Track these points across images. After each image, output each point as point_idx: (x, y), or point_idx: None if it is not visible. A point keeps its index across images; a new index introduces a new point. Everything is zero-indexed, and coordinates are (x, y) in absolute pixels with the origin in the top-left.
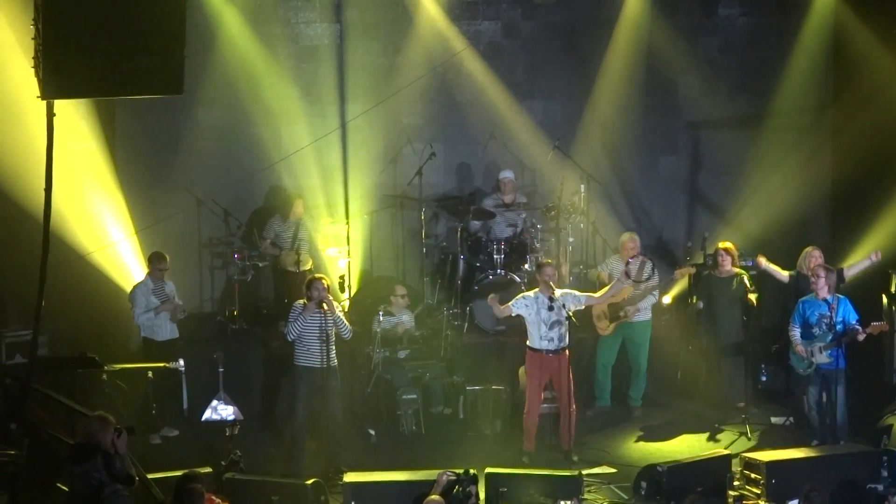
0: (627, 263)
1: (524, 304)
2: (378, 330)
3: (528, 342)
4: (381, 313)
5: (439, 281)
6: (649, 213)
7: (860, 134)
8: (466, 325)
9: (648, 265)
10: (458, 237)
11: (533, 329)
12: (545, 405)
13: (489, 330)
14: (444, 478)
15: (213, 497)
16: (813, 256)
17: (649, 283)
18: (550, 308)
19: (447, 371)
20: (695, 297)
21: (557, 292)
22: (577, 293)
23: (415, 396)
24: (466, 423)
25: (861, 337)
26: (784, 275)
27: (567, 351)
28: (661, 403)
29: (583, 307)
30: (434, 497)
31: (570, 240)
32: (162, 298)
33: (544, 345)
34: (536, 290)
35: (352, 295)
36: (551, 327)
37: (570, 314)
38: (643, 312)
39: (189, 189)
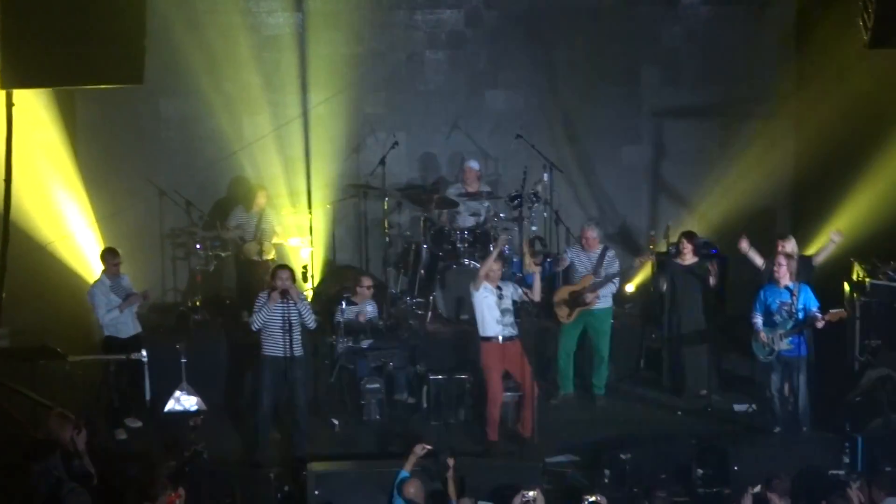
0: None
1: (484, 286)
2: (341, 320)
3: (481, 333)
4: (344, 303)
5: (402, 270)
6: (612, 201)
7: (823, 121)
8: (430, 314)
9: (610, 254)
10: (421, 227)
11: (488, 315)
12: (508, 394)
13: (452, 319)
14: (421, 449)
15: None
16: (784, 244)
17: (609, 272)
18: (500, 296)
19: (411, 360)
20: (659, 285)
21: (504, 283)
22: (516, 286)
23: (378, 386)
24: (430, 413)
25: (820, 324)
26: (761, 261)
27: (519, 341)
28: (624, 391)
29: (523, 298)
30: (411, 486)
31: (534, 228)
32: (121, 295)
33: (499, 331)
34: (484, 282)
35: (315, 285)
36: (503, 314)
37: (525, 294)
38: (604, 300)
39: (151, 179)
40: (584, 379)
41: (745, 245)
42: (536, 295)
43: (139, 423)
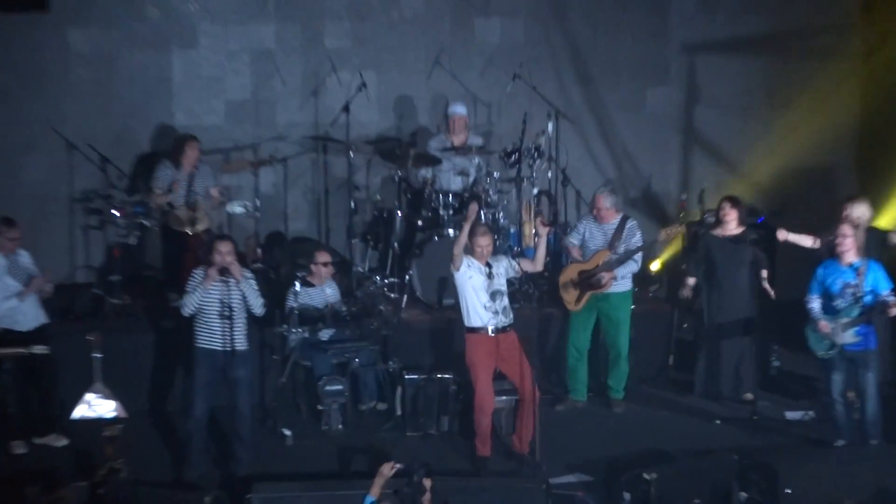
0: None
1: (466, 264)
2: (295, 305)
3: (466, 323)
4: (298, 284)
5: (371, 243)
6: (634, 158)
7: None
8: (405, 298)
9: (630, 224)
10: (395, 189)
11: (472, 300)
12: (502, 398)
13: (433, 304)
14: (389, 469)
15: None
16: (851, 208)
17: (629, 247)
18: (489, 276)
19: (381, 356)
20: (691, 263)
21: (494, 259)
22: (511, 260)
23: (341, 388)
24: (405, 421)
25: (894, 311)
26: (811, 241)
27: (513, 331)
28: (649, 395)
29: (519, 274)
30: None
31: (535, 191)
32: (20, 277)
33: (488, 319)
34: (469, 256)
35: (262, 261)
36: (493, 297)
37: (520, 267)
38: (622, 282)
39: (56, 129)
40: (599, 380)
41: (784, 234)
42: (540, 263)
43: (64, 441)
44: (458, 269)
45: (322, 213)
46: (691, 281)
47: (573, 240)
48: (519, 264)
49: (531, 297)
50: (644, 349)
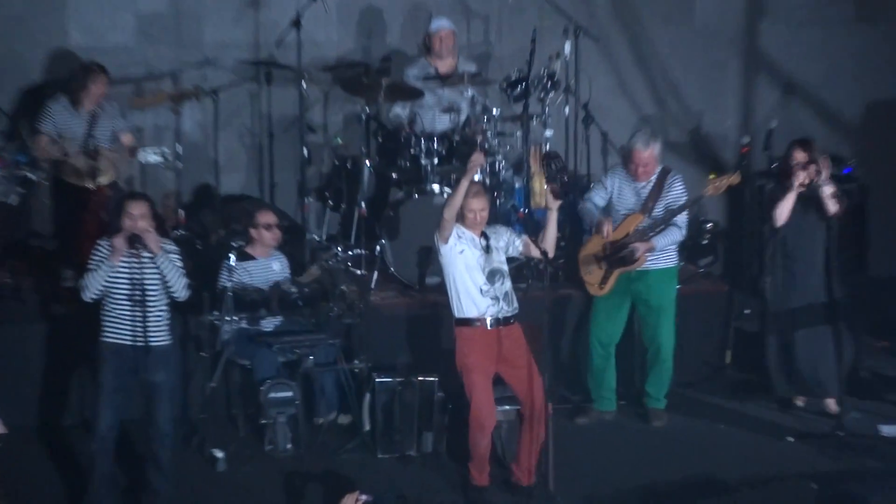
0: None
1: (457, 235)
2: (229, 285)
3: (456, 312)
4: (233, 257)
5: (331, 203)
6: (679, 88)
7: None
8: (376, 275)
9: (672, 179)
10: (362, 131)
11: (464, 282)
12: (504, 408)
13: (412, 284)
14: (353, 500)
15: None
16: None
17: (671, 207)
18: (486, 249)
19: (344, 353)
20: (757, 228)
21: (491, 231)
22: (513, 233)
23: (290, 395)
24: (376, 439)
25: None
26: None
27: (518, 323)
28: (698, 404)
29: (521, 255)
30: None
31: (548, 134)
32: None
33: (486, 307)
34: (456, 229)
35: (186, 227)
36: (490, 278)
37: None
38: (663, 255)
39: None
40: (632, 384)
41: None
42: (550, 244)
43: None
44: (445, 241)
45: (265, 164)
46: (764, 231)
47: (597, 199)
48: (524, 245)
49: (542, 276)
50: (693, 343)
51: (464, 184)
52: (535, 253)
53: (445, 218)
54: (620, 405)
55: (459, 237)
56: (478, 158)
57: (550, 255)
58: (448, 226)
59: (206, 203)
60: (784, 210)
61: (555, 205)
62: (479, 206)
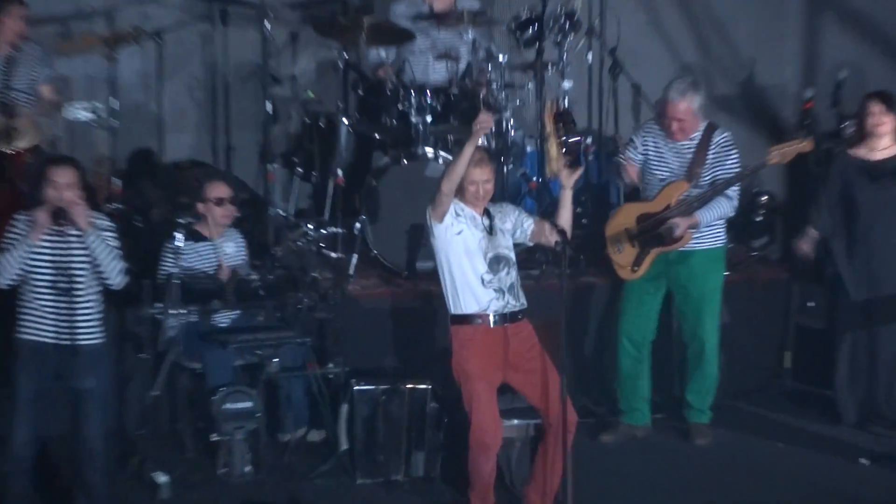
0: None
1: (454, 212)
2: (175, 271)
3: (451, 308)
4: (179, 237)
5: (300, 171)
6: (728, 30)
7: None
8: (355, 259)
9: (721, 138)
10: (339, 82)
11: (462, 270)
12: (513, 422)
13: (398, 269)
14: None
15: None
16: None
17: (719, 175)
18: (489, 231)
19: (316, 354)
20: (819, 203)
21: (495, 209)
22: (522, 213)
23: (250, 406)
24: (355, 461)
25: None
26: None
27: (527, 319)
28: (751, 418)
29: (529, 241)
30: None
31: (566, 87)
32: None
33: (488, 301)
34: (454, 206)
35: (122, 200)
36: (494, 266)
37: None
38: (709, 233)
39: None
40: (670, 393)
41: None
42: (566, 220)
43: None
44: (440, 220)
45: (220, 122)
46: (814, 232)
47: (629, 152)
48: (536, 228)
49: (558, 258)
50: (743, 343)
51: (467, 151)
52: (550, 239)
53: (442, 191)
54: (655, 419)
55: (457, 215)
56: (486, 119)
57: (567, 235)
58: (445, 201)
59: (148, 171)
60: None
61: (569, 180)
62: (482, 177)
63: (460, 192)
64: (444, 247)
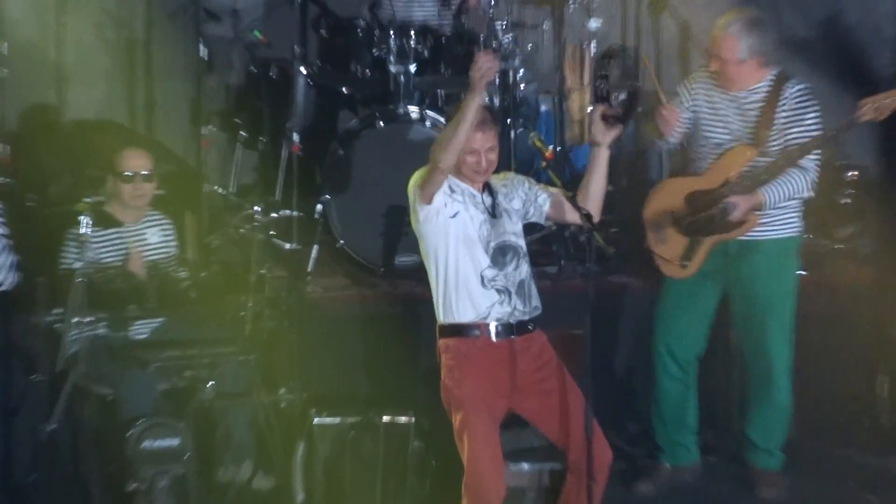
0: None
1: (448, 189)
2: (79, 265)
3: (441, 315)
4: (85, 221)
5: (244, 136)
6: None
7: None
8: (316, 252)
9: (794, 91)
10: (294, 19)
11: (456, 265)
12: (522, 466)
13: (373, 265)
14: None
15: None
16: None
17: (793, 138)
18: (492, 213)
19: (263, 376)
20: None
21: (499, 183)
22: (534, 185)
23: (176, 443)
24: None
25: None
26: None
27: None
28: (834, 463)
29: (548, 221)
30: None
31: (592, 27)
32: None
33: (489, 307)
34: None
35: (11, 171)
36: (498, 258)
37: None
38: (779, 219)
39: None
40: (727, 428)
41: None
42: (594, 202)
43: None
44: (429, 200)
45: (139, 71)
46: None
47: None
48: (554, 204)
49: (582, 250)
50: (824, 364)
51: (469, 109)
52: (572, 217)
53: (438, 166)
54: (707, 462)
55: (452, 193)
56: (488, 64)
57: (596, 218)
58: (439, 178)
59: (45, 134)
60: None
61: (606, 137)
62: (484, 144)
63: (455, 164)
64: (432, 234)
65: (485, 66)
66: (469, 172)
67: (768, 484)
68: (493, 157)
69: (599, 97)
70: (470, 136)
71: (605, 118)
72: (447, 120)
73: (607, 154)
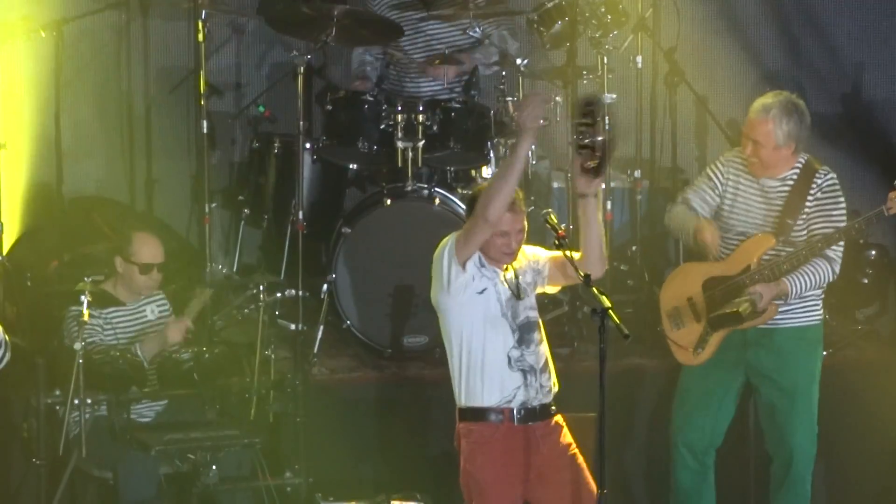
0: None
1: (478, 262)
2: (79, 346)
3: (461, 399)
4: (85, 301)
5: (247, 213)
6: (825, 27)
7: None
8: (320, 332)
9: (824, 180)
10: (299, 94)
11: (482, 345)
12: None
13: (381, 349)
14: None
15: None
16: None
17: (816, 227)
18: (518, 294)
19: (268, 460)
20: None
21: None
22: (531, 251)
23: None
24: None
25: None
26: None
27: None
28: None
29: (548, 286)
30: None
31: (608, 100)
32: None
33: (513, 390)
34: (478, 254)
35: (7, 252)
36: (525, 338)
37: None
38: (802, 306)
39: None
40: None
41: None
42: (594, 256)
43: None
44: (463, 266)
45: (138, 146)
46: None
47: (696, 202)
48: (552, 265)
49: (587, 328)
50: (848, 451)
51: (521, 152)
52: (572, 277)
53: (486, 215)
54: None
55: (482, 266)
56: (535, 104)
57: (601, 270)
58: (485, 229)
59: (41, 208)
60: None
61: (590, 187)
62: (515, 225)
63: (483, 246)
64: (457, 310)
65: (533, 107)
66: (497, 254)
67: None
68: (522, 238)
69: (581, 146)
70: (504, 219)
71: (584, 170)
72: (460, 198)
73: (595, 202)
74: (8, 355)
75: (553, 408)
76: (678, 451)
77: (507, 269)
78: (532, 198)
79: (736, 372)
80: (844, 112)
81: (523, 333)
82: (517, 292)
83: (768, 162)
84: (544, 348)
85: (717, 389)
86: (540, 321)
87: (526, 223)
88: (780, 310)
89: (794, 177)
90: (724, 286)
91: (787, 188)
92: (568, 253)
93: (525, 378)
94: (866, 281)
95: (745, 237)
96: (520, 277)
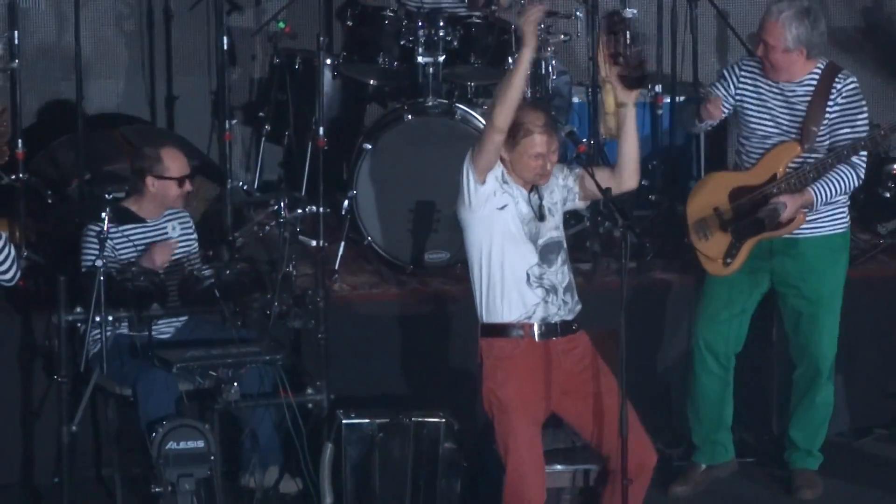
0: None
1: (500, 178)
2: (100, 263)
3: (483, 315)
4: (105, 217)
5: (268, 129)
6: None
7: None
8: (342, 248)
9: (845, 85)
10: (319, 9)
11: (501, 261)
12: (557, 467)
13: (403, 263)
14: None
15: None
16: None
17: (841, 135)
18: (540, 216)
19: (290, 377)
20: None
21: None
22: (563, 169)
23: (201, 446)
24: None
25: None
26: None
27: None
28: (876, 465)
29: (582, 200)
30: None
31: (629, 15)
32: None
33: (534, 306)
34: (502, 170)
35: (27, 166)
36: (547, 256)
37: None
38: (828, 215)
39: None
40: (766, 428)
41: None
42: (629, 170)
43: None
44: (482, 178)
45: (159, 63)
46: None
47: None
48: (583, 177)
49: (616, 244)
50: (866, 361)
51: (523, 58)
52: (606, 186)
53: (494, 122)
54: (744, 463)
55: (504, 183)
56: (534, 9)
57: (635, 183)
58: (496, 137)
59: (60, 127)
60: None
61: (630, 96)
62: (548, 147)
63: (514, 165)
64: (479, 225)
65: (533, 12)
66: (533, 176)
67: (808, 485)
68: (556, 159)
69: (615, 56)
70: (535, 139)
71: (622, 79)
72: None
73: (633, 112)
74: (18, 272)
75: (575, 325)
76: (701, 354)
77: (532, 189)
78: (553, 112)
79: (761, 279)
80: (865, 25)
81: (546, 253)
82: (539, 213)
83: (779, 65)
84: (568, 269)
85: (739, 296)
86: (565, 243)
87: (558, 144)
88: (807, 218)
89: (814, 82)
90: (751, 196)
91: (808, 93)
92: (589, 168)
93: (546, 294)
94: (888, 195)
95: (768, 143)
96: (544, 198)
